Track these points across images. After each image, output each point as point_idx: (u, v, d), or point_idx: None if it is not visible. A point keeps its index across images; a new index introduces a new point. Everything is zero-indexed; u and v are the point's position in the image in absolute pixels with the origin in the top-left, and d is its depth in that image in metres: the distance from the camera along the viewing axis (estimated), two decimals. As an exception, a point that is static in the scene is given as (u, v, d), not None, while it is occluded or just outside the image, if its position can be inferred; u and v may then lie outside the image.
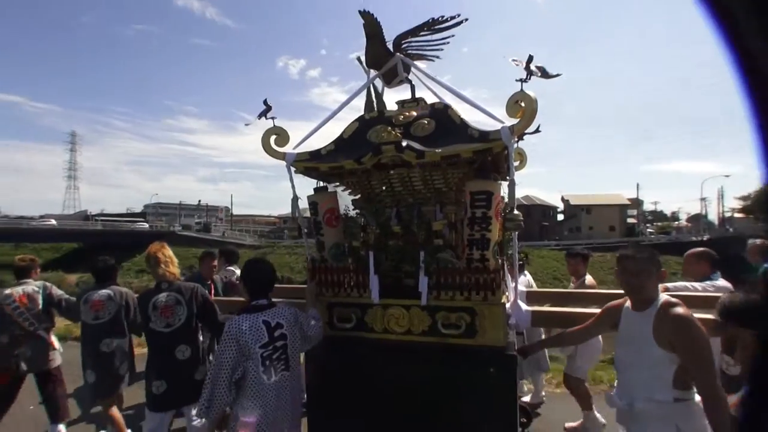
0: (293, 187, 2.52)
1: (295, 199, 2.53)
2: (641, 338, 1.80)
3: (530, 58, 2.04)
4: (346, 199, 2.73)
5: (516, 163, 3.11)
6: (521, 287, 3.04)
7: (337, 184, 2.66)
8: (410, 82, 2.72)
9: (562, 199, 56.69)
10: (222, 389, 1.83)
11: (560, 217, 57.53)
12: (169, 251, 2.69)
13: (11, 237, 38.49)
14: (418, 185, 2.47)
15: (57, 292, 3.53)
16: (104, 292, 3.16)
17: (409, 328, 2.28)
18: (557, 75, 2.13)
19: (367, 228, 2.44)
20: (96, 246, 40.89)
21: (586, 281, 3.34)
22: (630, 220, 53.06)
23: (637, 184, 62.48)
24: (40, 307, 3.39)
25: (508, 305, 2.26)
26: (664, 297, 1.84)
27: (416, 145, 2.19)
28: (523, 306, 2.24)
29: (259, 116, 2.42)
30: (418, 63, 2.73)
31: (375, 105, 2.83)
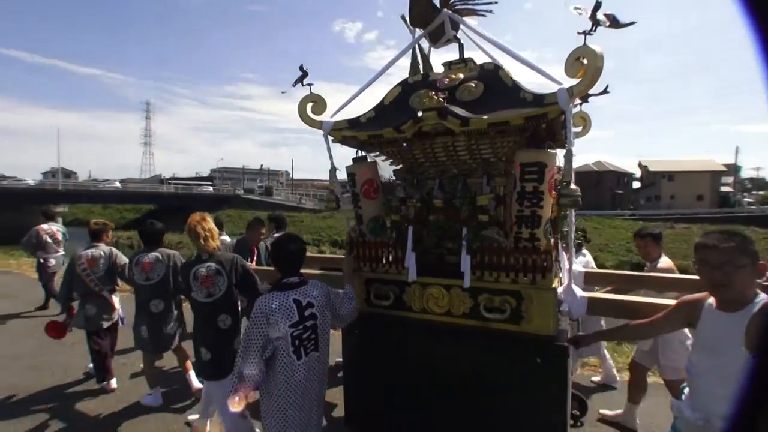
0: (330, 156, 2.46)
1: (333, 170, 2.48)
2: (729, 345, 1.50)
3: (597, 5, 1.75)
4: (388, 170, 2.64)
5: (578, 129, 2.81)
6: (578, 268, 2.81)
7: (377, 153, 2.55)
8: (459, 41, 2.49)
9: (640, 165, 52.00)
10: (252, 367, 1.87)
11: (636, 185, 53.05)
12: (209, 224, 2.76)
13: (91, 198, 42.96)
14: (464, 155, 2.29)
15: (121, 260, 3.85)
16: (153, 254, 3.38)
17: (449, 310, 2.19)
18: (630, 23, 1.81)
19: (407, 201, 2.34)
20: (169, 208, 44.76)
21: (661, 264, 2.98)
22: (724, 189, 47.62)
23: (737, 148, 55.17)
24: (103, 272, 3.74)
25: (560, 290, 2.09)
26: (765, 297, 1.54)
27: (460, 111, 2.01)
28: (578, 291, 2.05)
29: (295, 83, 2.34)
30: (468, 19, 2.48)
31: (420, 67, 2.65)
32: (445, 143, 2.27)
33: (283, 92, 2.41)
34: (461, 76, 2.30)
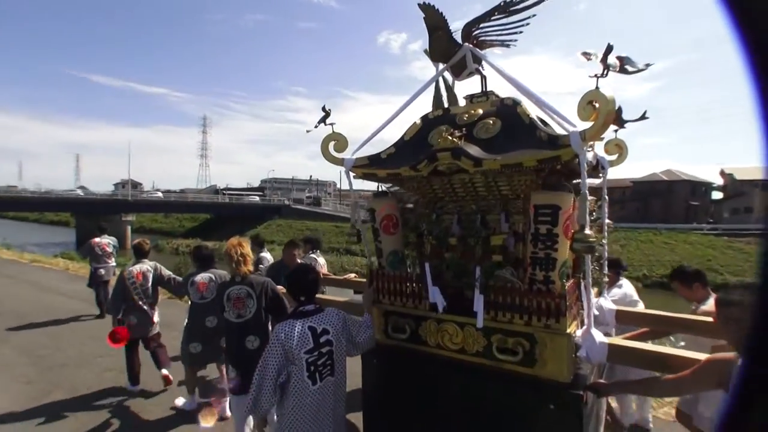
0: (352, 192, 2.60)
1: (354, 204, 2.62)
2: None
3: (609, 49, 1.75)
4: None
5: (613, 157, 2.74)
6: (608, 305, 2.72)
7: (398, 188, 2.66)
8: (481, 73, 2.54)
9: (722, 173, 47.68)
10: (267, 391, 2.04)
11: (716, 194, 48.62)
12: (244, 249, 3.02)
13: (154, 207, 46.82)
14: (482, 191, 2.34)
15: (165, 272, 4.33)
16: (206, 275, 3.75)
17: (463, 347, 2.24)
18: (644, 67, 1.79)
19: (424, 236, 2.42)
20: (223, 217, 47.80)
21: (706, 306, 2.78)
22: None
23: None
24: (150, 284, 4.18)
25: (578, 333, 2.06)
26: None
27: (474, 152, 2.07)
28: (598, 336, 2.01)
29: (318, 123, 2.52)
30: (493, 50, 2.54)
31: (444, 99, 2.73)
32: (463, 180, 2.33)
33: (307, 131, 2.59)
34: (480, 111, 2.35)
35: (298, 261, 4.35)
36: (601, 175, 2.65)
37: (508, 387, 2.08)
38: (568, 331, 1.95)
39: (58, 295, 8.43)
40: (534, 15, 2.29)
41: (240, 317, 2.90)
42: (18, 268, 12.15)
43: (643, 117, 2.64)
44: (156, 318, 4.44)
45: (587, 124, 1.80)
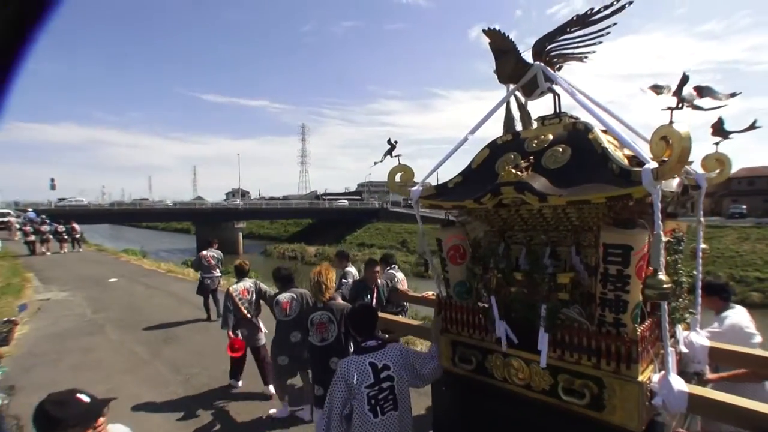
0: (420, 223, 2.76)
1: (421, 235, 2.77)
2: None
3: (684, 80, 1.67)
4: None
5: (712, 174, 2.51)
6: (701, 340, 2.49)
7: (466, 216, 2.75)
8: (553, 91, 2.52)
9: None
10: (335, 421, 2.30)
11: None
12: (326, 275, 3.34)
13: (261, 214, 51.82)
14: (552, 221, 2.34)
15: (263, 287, 4.92)
16: (288, 294, 4.20)
17: (529, 383, 2.26)
18: (726, 100, 1.67)
19: (490, 269, 2.48)
20: (324, 222, 50.95)
21: None
22: None
23: None
24: (254, 298, 4.80)
25: (655, 378, 1.97)
26: None
27: (539, 186, 2.10)
28: (677, 383, 1.89)
29: (384, 156, 2.73)
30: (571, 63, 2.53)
31: (515, 122, 2.75)
32: (531, 210, 2.35)
33: (375, 163, 2.81)
34: (551, 136, 2.36)
35: (378, 278, 4.62)
36: (696, 194, 2.45)
37: (576, 428, 2.06)
38: (641, 378, 1.88)
39: (193, 307, 9.12)
40: (615, 24, 2.23)
41: (323, 341, 3.24)
42: (158, 278, 13.84)
43: (752, 126, 2.39)
44: (263, 328, 5.08)
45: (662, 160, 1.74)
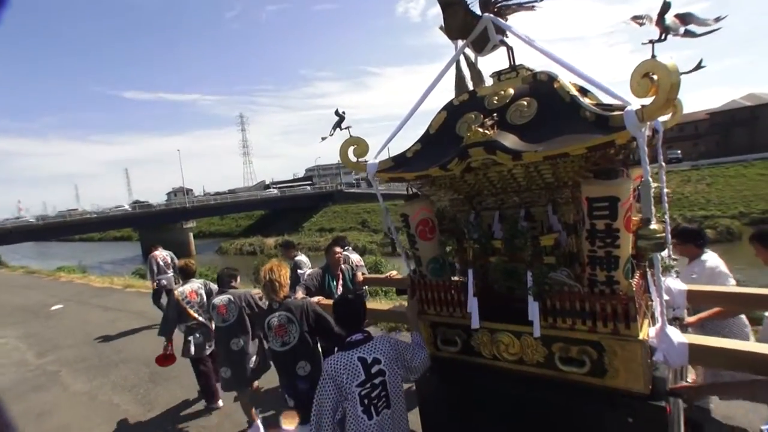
0: (380, 198, 2.47)
1: (385, 212, 2.48)
2: None
3: (665, 7, 1.46)
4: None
5: (665, 117, 2.39)
6: (678, 285, 2.42)
7: (430, 187, 2.48)
8: (507, 44, 2.27)
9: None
10: (327, 430, 2.00)
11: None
12: (278, 272, 2.95)
13: (212, 211, 49.03)
14: (524, 181, 2.12)
15: (213, 286, 4.38)
16: (224, 297, 3.74)
17: (521, 357, 2.08)
18: (715, 25, 1.48)
19: (465, 241, 2.25)
20: (278, 211, 49.14)
21: None
22: None
23: None
24: (204, 300, 4.31)
25: (652, 333, 1.83)
26: None
27: (510, 143, 1.86)
28: (676, 336, 1.77)
29: (333, 129, 2.38)
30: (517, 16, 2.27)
31: (468, 80, 2.50)
32: (501, 172, 2.12)
33: (323, 138, 2.46)
34: (511, 91, 2.12)
35: (341, 261, 4.27)
36: (654, 140, 2.32)
37: (577, 399, 1.91)
38: (641, 336, 1.73)
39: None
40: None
41: (285, 344, 2.87)
42: (116, 297, 10.93)
43: (698, 67, 2.26)
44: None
45: (645, 101, 1.54)
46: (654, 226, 1.54)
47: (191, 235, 44.36)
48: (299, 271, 4.76)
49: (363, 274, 4.28)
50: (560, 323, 1.93)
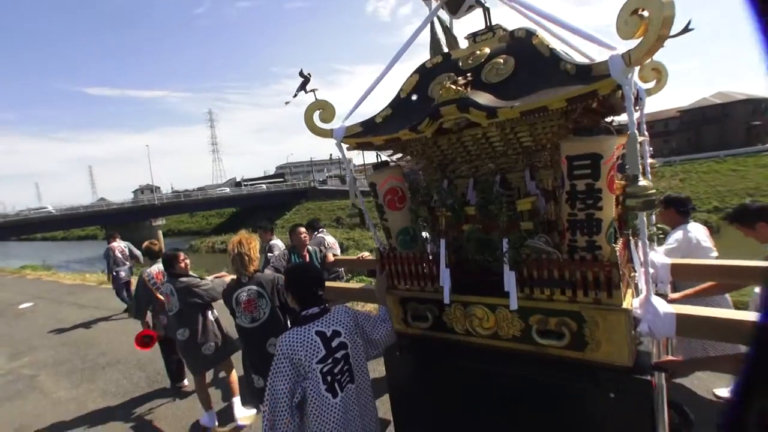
0: (348, 165, 2.28)
1: (351, 181, 2.29)
2: None
3: None
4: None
5: (649, 85, 2.30)
6: (661, 258, 2.33)
7: (400, 155, 2.31)
8: (483, 5, 2.12)
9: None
10: (283, 417, 1.75)
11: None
12: (248, 245, 2.74)
13: (182, 208, 47.41)
14: (499, 146, 1.97)
15: None
16: (168, 286, 3.50)
17: (496, 332, 1.92)
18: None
19: (437, 209, 2.09)
20: (250, 208, 48.09)
21: None
22: None
23: None
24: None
25: (636, 304, 1.71)
26: None
27: (484, 101, 1.70)
28: (662, 306, 1.65)
29: (298, 91, 2.17)
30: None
31: (443, 43, 2.34)
32: (475, 136, 1.96)
33: (286, 102, 2.25)
34: (487, 50, 1.96)
35: (307, 241, 4.09)
36: (638, 107, 2.22)
37: (555, 374, 1.76)
38: (625, 305, 1.60)
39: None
40: None
41: (255, 321, 2.66)
42: (91, 294, 9.99)
43: (686, 29, 2.16)
44: None
45: (630, 44, 1.40)
46: (643, 182, 1.40)
47: (160, 233, 42.76)
48: (269, 254, 4.53)
49: (334, 255, 4.09)
50: (538, 294, 1.78)
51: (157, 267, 4.27)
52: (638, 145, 1.42)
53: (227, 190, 55.03)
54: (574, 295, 1.68)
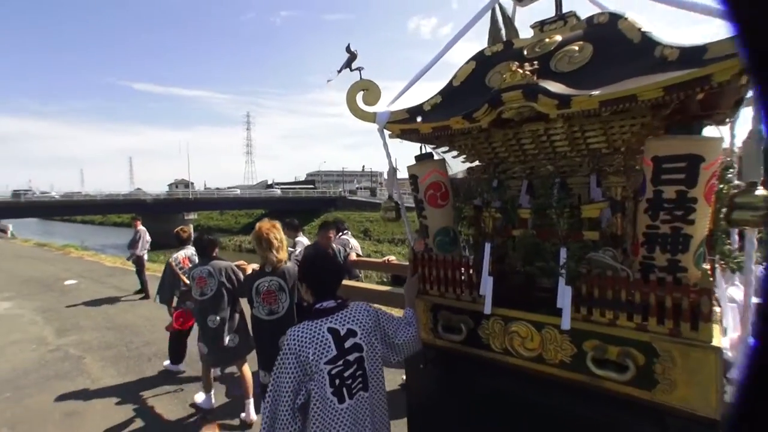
0: (388, 155, 2.00)
1: (391, 172, 2.02)
2: None
3: None
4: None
5: None
6: (740, 295, 1.95)
7: (447, 149, 2.03)
8: None
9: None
10: (284, 418, 1.48)
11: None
12: (280, 233, 2.52)
13: (214, 205, 48.05)
14: (563, 146, 1.67)
15: None
16: (204, 269, 3.25)
17: (541, 354, 1.60)
18: None
19: (484, 210, 1.79)
20: (277, 211, 48.29)
21: None
22: None
23: None
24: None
25: (725, 343, 1.36)
26: None
27: (556, 88, 1.41)
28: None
29: (342, 68, 1.93)
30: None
31: (503, 33, 2.08)
32: (536, 132, 1.67)
33: (328, 80, 2.01)
34: (558, 38, 1.68)
35: (333, 244, 3.85)
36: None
37: (609, 412, 1.43)
38: (715, 342, 1.26)
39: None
40: None
41: (272, 313, 2.39)
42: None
43: None
44: None
45: None
46: (762, 191, 1.08)
47: (191, 226, 43.23)
48: (290, 249, 4.29)
49: (358, 255, 3.82)
50: (597, 316, 1.45)
51: (184, 252, 4.21)
52: (761, 146, 1.10)
53: (278, 191, 55.64)
54: (645, 321, 1.35)
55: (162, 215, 39.70)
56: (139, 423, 3.43)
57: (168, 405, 3.69)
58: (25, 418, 3.51)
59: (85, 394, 3.96)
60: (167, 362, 4.41)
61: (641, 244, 1.38)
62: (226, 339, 3.25)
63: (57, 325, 6.23)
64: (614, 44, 1.48)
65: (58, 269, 11.32)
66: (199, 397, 3.61)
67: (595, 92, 1.33)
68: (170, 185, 67.73)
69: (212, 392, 3.56)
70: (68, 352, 5.14)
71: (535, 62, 1.57)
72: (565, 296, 1.47)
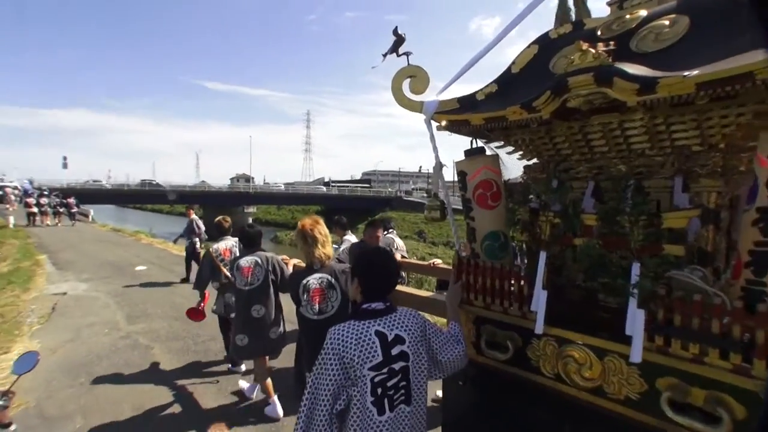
0: (435, 148, 1.81)
1: (438, 167, 1.82)
2: None
3: None
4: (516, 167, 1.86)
5: None
6: None
7: (501, 143, 1.79)
8: None
9: None
10: (320, 422, 1.34)
11: None
12: (324, 228, 2.40)
13: (272, 199, 49.93)
14: (640, 142, 1.40)
15: None
16: (251, 258, 3.19)
17: (601, 386, 1.34)
18: None
19: (541, 213, 1.54)
20: (333, 209, 49.18)
21: None
22: None
23: None
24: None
25: None
26: None
27: (637, 70, 1.15)
28: None
29: (388, 53, 1.76)
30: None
31: (572, 14, 1.80)
32: (607, 125, 1.41)
33: (373, 67, 1.85)
34: (643, 13, 1.41)
35: (379, 241, 3.70)
36: None
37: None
38: None
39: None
40: None
41: (321, 313, 2.26)
42: None
43: None
44: None
45: None
46: None
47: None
48: (335, 246, 4.19)
49: (403, 256, 3.64)
50: (677, 349, 1.17)
51: (224, 244, 4.11)
52: None
53: (323, 188, 57.13)
54: (747, 362, 1.05)
55: (224, 207, 41.87)
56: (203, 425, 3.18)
57: (235, 410, 3.42)
58: (96, 407, 3.49)
59: (153, 389, 3.85)
60: (242, 382, 3.89)
61: (745, 265, 1.09)
62: (270, 330, 3.20)
63: (128, 311, 6.33)
64: (719, 13, 1.19)
65: (130, 254, 11.63)
66: (245, 383, 3.59)
67: (692, 72, 1.06)
68: (232, 179, 71.25)
69: (276, 398, 3.28)
70: (137, 340, 5.14)
71: (611, 43, 1.31)
72: (636, 321, 1.20)
